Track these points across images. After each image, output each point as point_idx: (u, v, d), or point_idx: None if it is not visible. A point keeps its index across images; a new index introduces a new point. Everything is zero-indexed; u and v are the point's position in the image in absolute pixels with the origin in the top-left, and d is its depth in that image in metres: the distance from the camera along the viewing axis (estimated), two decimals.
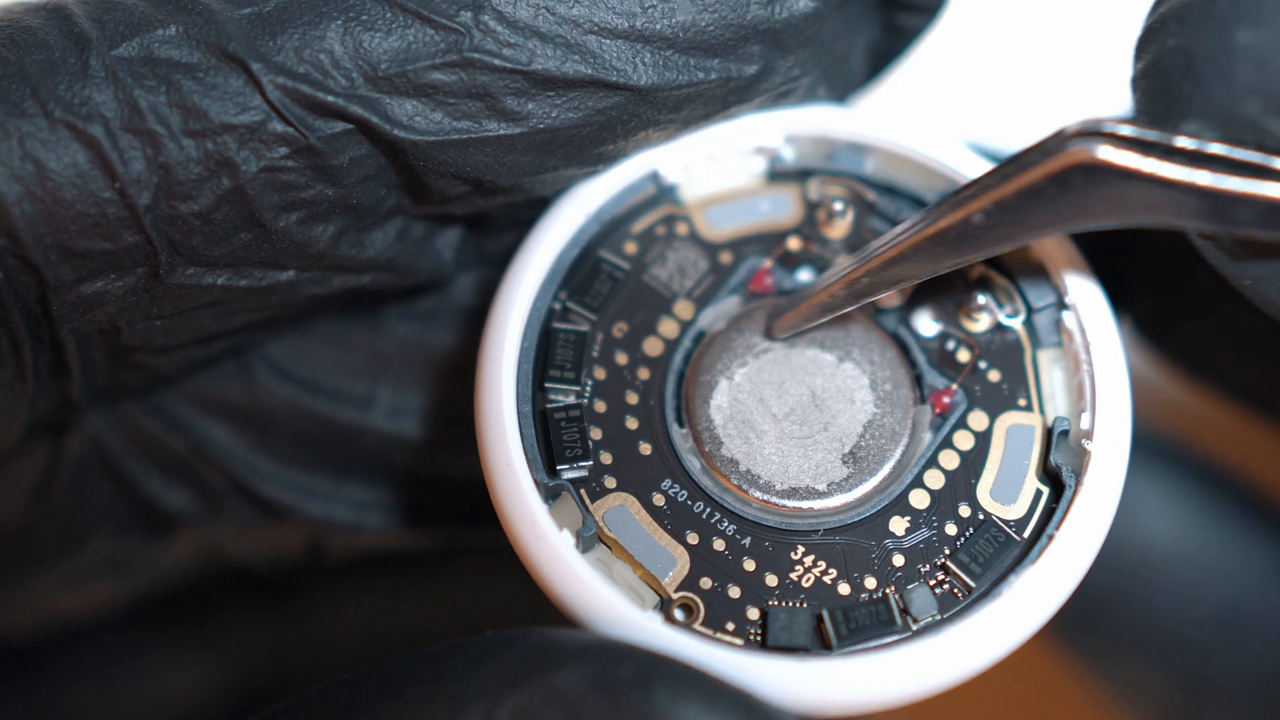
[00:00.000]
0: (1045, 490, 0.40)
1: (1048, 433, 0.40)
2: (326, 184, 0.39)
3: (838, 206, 0.42)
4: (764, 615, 0.38)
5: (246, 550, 0.47)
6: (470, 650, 0.36)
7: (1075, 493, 0.39)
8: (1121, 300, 0.43)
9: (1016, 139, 0.43)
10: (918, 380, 0.41)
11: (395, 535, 0.47)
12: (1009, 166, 0.37)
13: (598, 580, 0.37)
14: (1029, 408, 0.40)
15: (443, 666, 0.36)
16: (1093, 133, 0.36)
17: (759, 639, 0.38)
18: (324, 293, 0.41)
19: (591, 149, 0.40)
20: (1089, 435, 0.39)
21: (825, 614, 0.38)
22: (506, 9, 0.38)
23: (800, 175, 0.43)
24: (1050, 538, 0.38)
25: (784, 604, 0.38)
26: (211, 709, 0.53)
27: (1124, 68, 0.39)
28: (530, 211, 0.42)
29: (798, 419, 0.40)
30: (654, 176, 0.42)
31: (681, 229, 0.42)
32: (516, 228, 0.42)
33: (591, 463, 0.39)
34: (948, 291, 0.42)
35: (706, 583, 0.39)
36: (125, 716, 0.53)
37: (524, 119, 0.38)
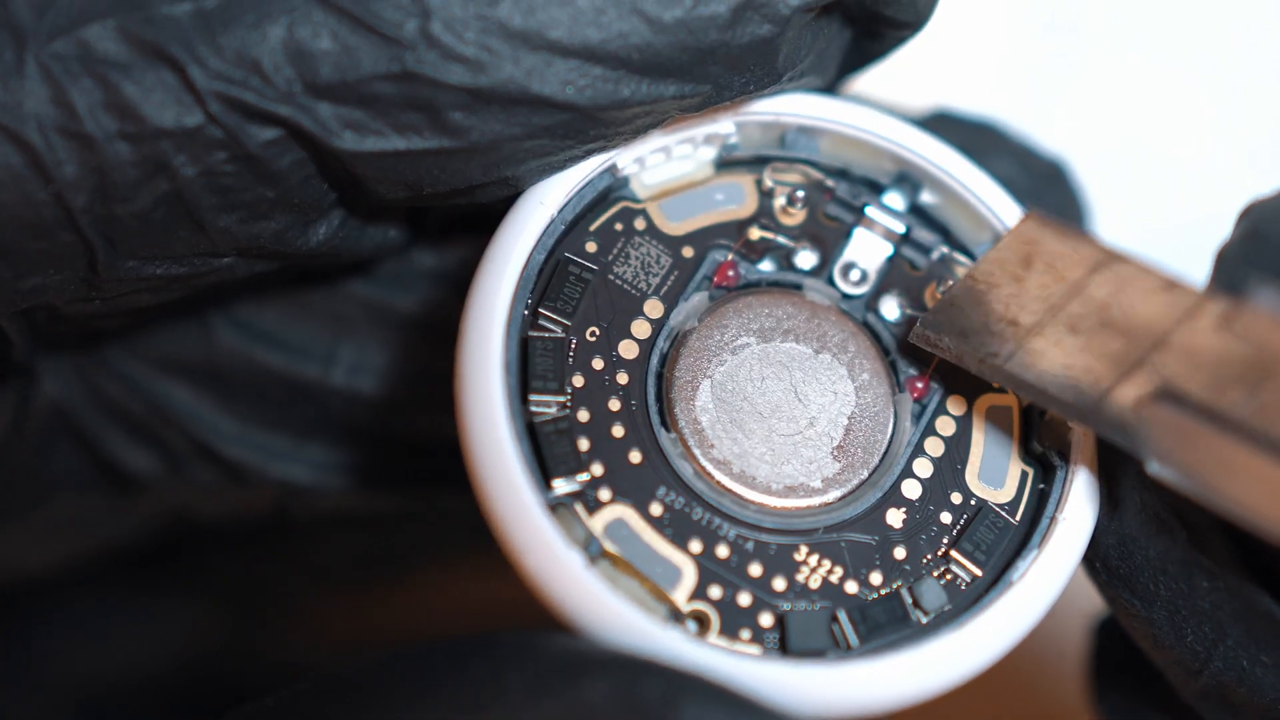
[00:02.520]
0: (1031, 470, 0.40)
1: (1024, 412, 0.40)
2: (267, 187, 0.37)
3: (799, 194, 0.41)
4: (779, 621, 0.38)
5: (213, 512, 0.47)
6: (492, 652, 0.35)
7: (1069, 475, 0.39)
8: None
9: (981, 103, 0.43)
10: (892, 367, 0.40)
11: (358, 496, 0.47)
12: None
13: (618, 600, 0.36)
14: (1003, 389, 0.40)
15: (464, 666, 0.35)
16: None
17: (776, 645, 0.37)
18: (265, 270, 0.40)
19: (534, 160, 0.38)
20: None
21: (842, 615, 0.38)
22: (454, 23, 0.36)
23: (753, 163, 0.42)
24: (1053, 521, 0.38)
25: (797, 607, 0.38)
26: (180, 657, 0.54)
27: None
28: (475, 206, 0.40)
29: (784, 415, 0.39)
30: (610, 170, 0.40)
31: (639, 224, 0.41)
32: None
33: (586, 475, 0.38)
34: (911, 275, 0.41)
35: (716, 592, 0.38)
36: (95, 664, 0.53)
37: (466, 133, 0.37)
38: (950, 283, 0.41)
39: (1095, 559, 0.39)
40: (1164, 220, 0.39)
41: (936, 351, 0.39)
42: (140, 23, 0.35)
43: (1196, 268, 0.39)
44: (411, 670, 0.36)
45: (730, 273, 0.41)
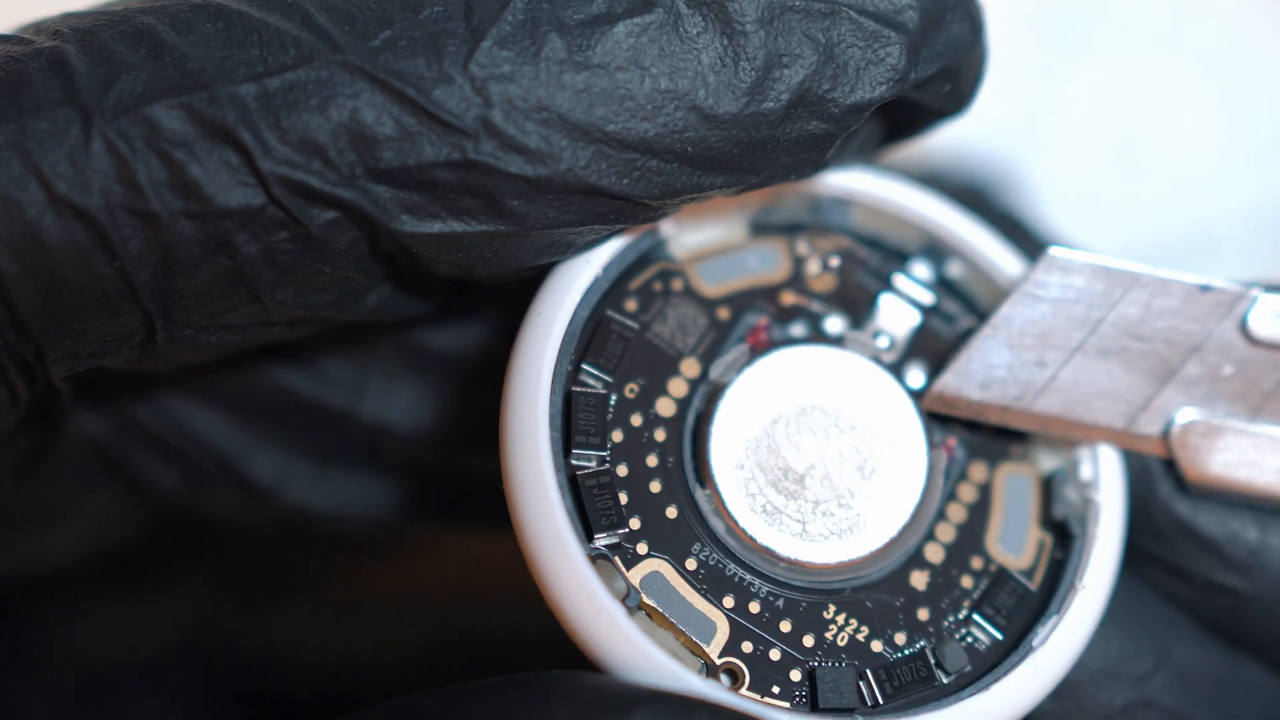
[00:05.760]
0: (1049, 538, 0.41)
1: (1044, 480, 0.42)
2: (324, 264, 0.38)
3: (831, 261, 0.42)
4: (807, 677, 0.39)
5: (227, 530, 0.48)
6: (540, 688, 0.36)
7: (1090, 544, 0.40)
8: None
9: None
10: (921, 430, 0.42)
11: (378, 527, 0.47)
12: None
13: (658, 654, 0.37)
14: (1022, 457, 0.42)
15: (511, 701, 0.36)
16: None
17: (804, 701, 0.39)
18: (311, 334, 0.42)
19: (581, 241, 0.40)
20: (1092, 485, 0.41)
21: (869, 673, 0.39)
22: (515, 114, 0.37)
23: (786, 229, 0.43)
24: (1073, 589, 0.40)
25: (825, 664, 0.39)
26: (173, 636, 0.55)
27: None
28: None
29: (816, 475, 0.40)
30: (652, 233, 0.41)
31: (677, 285, 0.42)
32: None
33: (625, 529, 0.39)
34: (936, 345, 0.42)
35: (748, 647, 0.39)
36: (91, 644, 0.54)
37: (522, 219, 0.38)
38: (964, 343, 0.42)
39: None
40: (1162, 224, 0.41)
41: (953, 412, 0.41)
42: (205, 102, 0.36)
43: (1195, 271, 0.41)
44: (458, 703, 0.36)
45: (762, 335, 0.42)
